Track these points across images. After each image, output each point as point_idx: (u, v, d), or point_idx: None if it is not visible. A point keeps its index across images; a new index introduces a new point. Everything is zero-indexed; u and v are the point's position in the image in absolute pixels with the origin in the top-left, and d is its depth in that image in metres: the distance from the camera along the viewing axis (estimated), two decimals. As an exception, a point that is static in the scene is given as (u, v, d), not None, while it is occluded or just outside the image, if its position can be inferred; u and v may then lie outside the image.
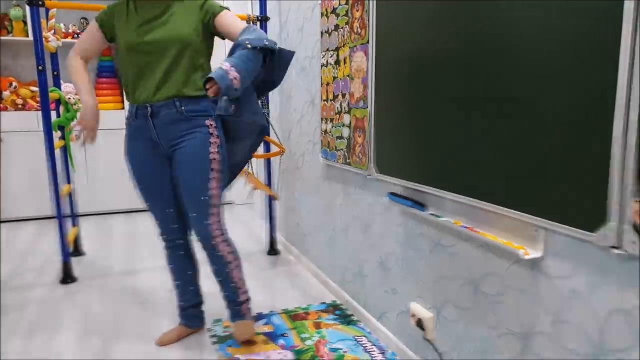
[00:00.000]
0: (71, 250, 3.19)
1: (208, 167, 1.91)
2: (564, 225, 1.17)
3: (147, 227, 4.04)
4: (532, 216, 1.25)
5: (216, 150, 1.93)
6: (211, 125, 1.93)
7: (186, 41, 1.86)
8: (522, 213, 1.28)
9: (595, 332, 1.13)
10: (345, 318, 2.35)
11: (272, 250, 3.35)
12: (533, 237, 1.29)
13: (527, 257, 1.27)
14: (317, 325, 2.27)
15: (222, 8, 1.92)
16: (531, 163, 1.24)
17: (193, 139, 1.90)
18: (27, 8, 3.87)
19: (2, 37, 4.08)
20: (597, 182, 1.07)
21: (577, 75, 1.10)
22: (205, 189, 1.91)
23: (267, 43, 1.81)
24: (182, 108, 1.88)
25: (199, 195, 1.91)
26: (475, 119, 1.41)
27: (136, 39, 1.85)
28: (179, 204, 2.02)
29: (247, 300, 2.13)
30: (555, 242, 1.23)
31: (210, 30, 1.92)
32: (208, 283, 2.36)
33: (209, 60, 1.98)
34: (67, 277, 2.81)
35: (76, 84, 1.95)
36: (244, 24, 1.89)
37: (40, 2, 2.57)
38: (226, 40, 1.96)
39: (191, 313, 2.18)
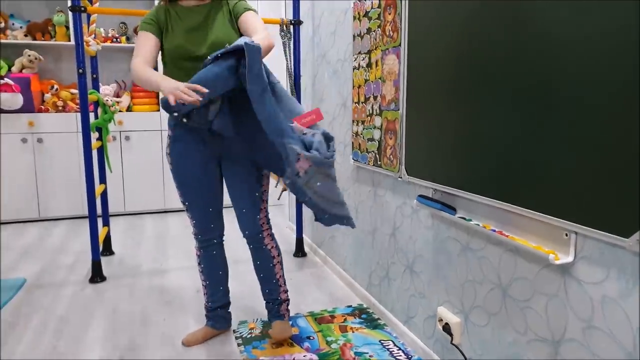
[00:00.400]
0: (101, 249, 3.27)
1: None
2: (596, 230, 1.14)
3: (176, 227, 4.11)
4: (563, 220, 1.23)
5: None
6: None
7: (231, 42, 1.88)
8: (552, 217, 1.26)
9: (629, 340, 1.10)
10: (371, 322, 2.35)
11: (299, 252, 3.37)
12: (564, 241, 1.26)
13: (557, 262, 1.24)
14: (343, 329, 2.27)
15: (247, 9, 1.96)
16: (563, 166, 1.22)
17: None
18: (70, 14, 4.01)
19: (46, 42, 4.24)
20: (632, 186, 1.04)
21: (616, 77, 1.08)
22: (260, 186, 2.02)
23: (220, 52, 1.73)
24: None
25: (253, 191, 2.00)
26: (507, 122, 1.40)
27: (185, 45, 1.88)
28: (219, 204, 2.07)
29: (287, 300, 2.16)
30: (587, 246, 1.21)
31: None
32: (234, 284, 2.39)
33: None
34: (97, 275, 2.87)
35: (149, 78, 1.77)
36: (258, 29, 1.89)
37: (82, 9, 2.66)
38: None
39: (218, 314, 2.20)
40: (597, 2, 1.10)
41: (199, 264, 2.15)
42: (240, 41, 1.70)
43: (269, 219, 2.09)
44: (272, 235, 2.10)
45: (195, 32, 1.91)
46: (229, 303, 2.23)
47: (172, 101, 1.60)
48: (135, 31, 4.54)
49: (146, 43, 1.90)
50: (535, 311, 1.39)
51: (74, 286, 2.80)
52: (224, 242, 2.16)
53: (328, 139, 1.75)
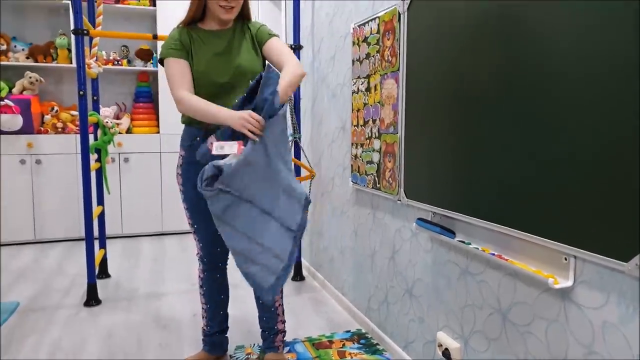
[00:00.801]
0: (97, 272, 3.25)
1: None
2: (595, 254, 1.14)
3: (173, 250, 4.09)
4: (562, 244, 1.23)
5: None
6: None
7: (255, 71, 1.88)
8: (552, 241, 1.26)
9: (629, 365, 1.09)
10: (370, 347, 2.32)
11: (297, 276, 3.35)
12: (563, 265, 1.26)
13: (557, 286, 1.24)
14: (342, 354, 2.24)
15: (271, 35, 1.94)
16: (561, 190, 1.22)
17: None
18: (72, 37, 4.06)
19: (47, 64, 4.27)
20: (631, 210, 1.05)
21: (612, 104, 1.09)
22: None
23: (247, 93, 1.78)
24: None
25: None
26: (506, 146, 1.41)
27: (208, 71, 1.86)
28: None
29: (283, 332, 2.13)
30: (586, 271, 1.20)
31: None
32: (233, 308, 2.36)
33: None
34: (92, 299, 2.84)
35: (207, 110, 1.77)
36: (288, 59, 1.84)
37: (85, 32, 2.69)
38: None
39: (216, 340, 2.16)
40: (593, 26, 1.12)
41: (201, 286, 2.11)
42: (269, 85, 1.69)
43: None
44: None
45: (218, 58, 1.88)
46: (227, 328, 2.20)
47: (243, 130, 1.64)
48: (138, 55, 4.58)
49: (183, 71, 1.85)
50: (535, 336, 1.38)
51: (68, 309, 2.76)
52: (226, 267, 2.14)
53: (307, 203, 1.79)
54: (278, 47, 1.91)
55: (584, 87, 1.15)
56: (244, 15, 1.96)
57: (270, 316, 2.09)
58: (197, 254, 2.08)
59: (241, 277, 2.04)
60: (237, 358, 2.21)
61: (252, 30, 1.96)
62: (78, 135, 4.11)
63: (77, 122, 4.31)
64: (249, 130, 1.64)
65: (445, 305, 1.82)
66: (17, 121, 3.97)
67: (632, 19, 1.03)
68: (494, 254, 1.49)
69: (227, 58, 1.89)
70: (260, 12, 4.53)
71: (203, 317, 2.15)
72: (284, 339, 2.14)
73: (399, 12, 1.98)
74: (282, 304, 2.12)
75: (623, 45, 1.05)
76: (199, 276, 2.11)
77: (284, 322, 2.13)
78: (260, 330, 2.13)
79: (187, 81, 1.85)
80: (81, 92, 2.69)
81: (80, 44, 2.69)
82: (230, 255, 2.09)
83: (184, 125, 2.00)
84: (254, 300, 2.14)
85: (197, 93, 1.85)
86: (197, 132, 1.92)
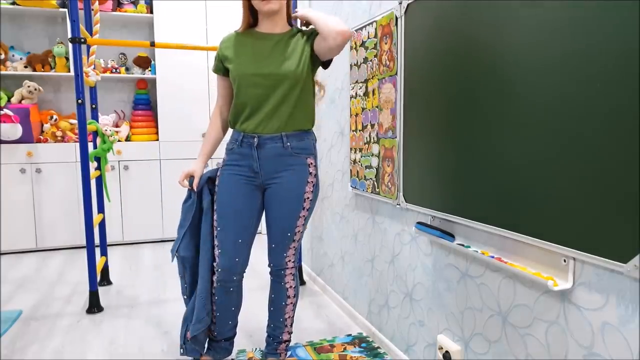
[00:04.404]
0: (99, 279, 3.25)
1: (300, 206, 1.94)
2: (594, 256, 1.15)
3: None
4: (561, 246, 1.24)
5: (311, 189, 1.96)
6: (311, 164, 1.95)
7: (297, 77, 1.86)
8: (551, 243, 1.27)
9: (630, 366, 1.10)
10: (371, 351, 2.32)
11: (298, 281, 3.34)
12: (562, 267, 1.26)
13: (556, 288, 1.24)
14: (343, 358, 2.24)
15: None
16: (560, 192, 1.23)
17: (292, 175, 1.92)
18: (70, 45, 4.07)
19: (45, 73, 4.29)
20: (629, 211, 1.05)
21: (610, 104, 1.10)
22: (293, 227, 1.96)
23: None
24: (288, 144, 1.90)
25: (286, 231, 1.95)
26: (504, 149, 1.42)
27: (251, 71, 1.87)
28: (249, 237, 1.99)
29: (288, 341, 2.13)
30: (585, 272, 1.21)
31: (313, 62, 1.92)
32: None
33: (313, 97, 2.00)
34: (94, 306, 2.84)
35: (201, 146, 2.10)
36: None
37: (82, 40, 2.70)
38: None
39: (222, 345, 2.12)
40: (593, 26, 1.13)
41: (213, 294, 2.04)
42: None
43: (296, 258, 2.06)
44: (294, 275, 2.06)
45: (259, 61, 1.88)
46: (234, 335, 2.16)
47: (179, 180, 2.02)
48: (137, 63, 4.59)
49: (219, 86, 2.05)
50: (535, 338, 1.38)
51: (70, 317, 2.77)
52: (242, 279, 2.06)
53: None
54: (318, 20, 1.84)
55: (582, 90, 1.16)
56: (290, 19, 1.97)
57: (277, 325, 2.08)
58: (215, 263, 2.01)
59: (251, 281, 2.04)
60: (239, 364, 2.21)
61: (307, 34, 1.92)
62: (77, 144, 4.12)
63: (77, 131, 4.32)
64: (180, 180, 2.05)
65: (446, 308, 1.83)
66: (16, 130, 3.98)
67: (628, 18, 1.04)
68: (493, 257, 1.49)
69: (267, 62, 1.87)
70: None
71: (212, 322, 2.08)
72: (288, 348, 2.14)
73: (396, 16, 1.99)
74: (293, 317, 2.10)
75: (622, 45, 1.06)
76: (213, 284, 2.04)
77: (290, 332, 2.12)
78: (266, 334, 2.13)
79: (221, 96, 2.05)
80: (80, 101, 2.70)
81: (78, 52, 2.70)
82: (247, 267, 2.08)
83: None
84: (258, 305, 2.13)
85: (240, 90, 1.91)
86: (238, 135, 1.97)
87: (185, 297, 2.13)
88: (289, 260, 2.02)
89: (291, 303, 2.07)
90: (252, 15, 1.94)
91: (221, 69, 1.98)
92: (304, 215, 1.97)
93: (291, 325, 2.12)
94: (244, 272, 2.04)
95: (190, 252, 2.07)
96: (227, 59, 1.94)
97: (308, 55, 1.89)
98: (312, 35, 1.90)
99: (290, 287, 2.05)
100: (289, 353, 2.28)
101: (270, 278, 2.07)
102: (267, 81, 1.86)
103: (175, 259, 2.09)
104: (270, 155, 1.91)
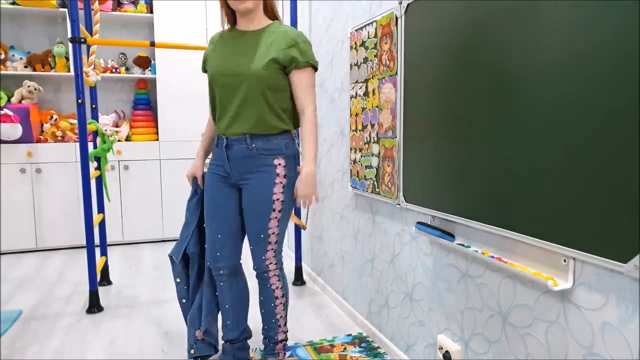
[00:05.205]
0: (99, 279, 3.24)
1: (269, 208, 1.90)
2: (594, 256, 1.15)
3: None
4: (561, 246, 1.24)
5: (281, 191, 1.91)
6: (280, 164, 1.90)
7: (260, 78, 1.82)
8: (551, 243, 1.27)
9: (630, 366, 1.10)
10: (371, 351, 2.32)
11: (298, 281, 3.35)
12: (562, 267, 1.26)
13: (556, 288, 1.24)
14: (343, 358, 2.24)
15: (307, 64, 1.87)
16: (560, 192, 1.23)
17: (259, 177, 1.90)
18: (70, 45, 4.07)
19: (45, 73, 4.29)
20: (629, 211, 1.05)
21: (609, 106, 1.10)
22: (264, 228, 1.92)
23: None
24: (253, 145, 1.89)
25: (259, 233, 1.94)
26: (504, 149, 1.42)
27: (219, 71, 1.88)
28: (229, 231, 2.00)
29: (284, 340, 2.11)
30: (585, 272, 1.21)
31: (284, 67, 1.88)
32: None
33: (289, 97, 1.93)
34: (94, 306, 2.84)
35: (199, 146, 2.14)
36: (305, 105, 1.88)
37: (82, 40, 2.70)
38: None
39: (225, 348, 2.12)
40: (591, 27, 1.13)
41: (279, 279, 2.06)
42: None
43: (278, 260, 2.01)
44: (279, 277, 2.02)
45: (231, 59, 1.88)
46: (238, 339, 2.10)
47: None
48: (137, 63, 4.59)
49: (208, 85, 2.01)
50: (535, 338, 1.38)
51: (70, 317, 2.76)
52: (238, 275, 2.07)
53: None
54: (303, 89, 1.88)
55: (582, 89, 1.16)
56: (274, 13, 1.96)
57: (271, 327, 2.08)
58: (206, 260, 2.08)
59: (250, 281, 2.03)
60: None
61: (280, 41, 1.86)
62: (77, 144, 4.12)
63: (77, 131, 4.32)
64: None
65: (446, 308, 1.83)
66: (16, 130, 3.98)
67: (628, 19, 1.04)
68: (493, 257, 1.49)
69: (234, 62, 1.86)
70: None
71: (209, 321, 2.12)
72: (286, 345, 2.14)
73: (396, 16, 1.99)
74: (285, 317, 2.09)
75: (621, 45, 1.06)
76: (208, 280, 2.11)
77: (285, 332, 2.11)
78: (262, 337, 2.13)
79: (211, 98, 1.99)
80: (79, 101, 2.70)
81: (78, 52, 2.70)
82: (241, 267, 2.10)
83: None
84: (257, 305, 2.13)
85: (211, 90, 1.95)
86: (216, 135, 2.02)
87: (184, 300, 2.13)
88: (270, 263, 1.98)
89: (280, 304, 2.05)
90: (232, 14, 1.95)
91: (204, 68, 2.03)
92: (275, 217, 1.92)
93: (285, 325, 2.10)
94: (233, 267, 2.02)
95: (198, 249, 2.10)
96: (206, 59, 2.00)
97: (279, 60, 1.84)
98: (284, 59, 1.84)
99: (277, 288, 2.02)
100: (288, 353, 2.28)
101: (257, 280, 2.05)
102: (233, 81, 1.86)
103: (172, 262, 2.12)
104: (238, 156, 1.91)
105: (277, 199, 1.91)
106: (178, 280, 2.12)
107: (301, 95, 1.89)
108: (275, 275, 2.01)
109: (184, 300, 2.13)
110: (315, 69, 1.93)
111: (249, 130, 1.87)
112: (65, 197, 4.23)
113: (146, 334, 2.54)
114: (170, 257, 2.09)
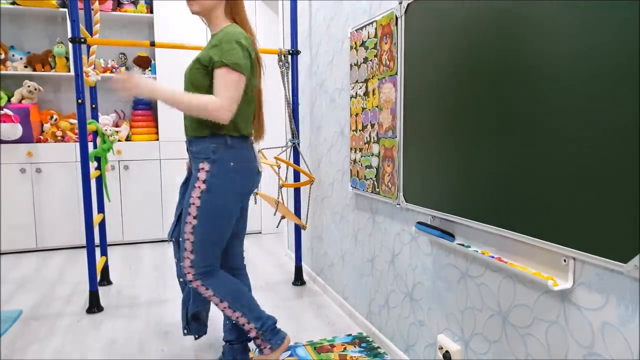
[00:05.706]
0: (99, 279, 3.24)
1: (186, 212, 1.87)
2: (594, 256, 1.15)
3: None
4: (561, 246, 1.24)
5: (198, 195, 1.84)
6: (203, 169, 1.85)
7: (190, 81, 1.88)
8: (551, 243, 1.27)
9: (630, 366, 1.10)
10: (371, 350, 2.32)
11: (298, 281, 3.35)
12: (562, 267, 1.26)
13: (556, 288, 1.24)
14: (343, 358, 2.24)
15: (222, 63, 1.77)
16: (560, 192, 1.23)
17: (192, 180, 1.89)
18: (70, 45, 4.07)
19: (45, 73, 4.29)
20: (629, 211, 1.05)
21: (609, 106, 1.10)
22: (183, 232, 1.88)
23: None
24: (191, 148, 1.93)
25: (179, 236, 1.97)
26: (504, 149, 1.42)
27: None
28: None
29: (259, 335, 2.01)
30: (586, 272, 1.21)
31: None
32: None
33: None
34: (94, 306, 2.84)
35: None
36: (221, 94, 1.77)
37: (82, 40, 2.70)
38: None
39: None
40: (591, 27, 1.13)
41: (206, 288, 1.94)
42: None
43: (198, 272, 1.89)
44: (205, 286, 1.91)
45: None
46: (232, 341, 2.11)
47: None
48: (137, 63, 4.59)
49: None
50: (535, 338, 1.38)
51: (70, 317, 2.76)
52: (226, 273, 2.03)
53: None
54: (217, 83, 1.79)
55: (581, 89, 1.16)
56: (232, 15, 1.94)
57: (236, 329, 2.09)
58: None
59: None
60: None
61: (211, 42, 1.85)
62: (77, 144, 4.12)
63: (77, 131, 4.32)
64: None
65: (446, 308, 1.83)
66: (16, 130, 3.98)
67: (626, 20, 1.04)
68: (493, 257, 1.49)
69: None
70: (258, 17, 4.54)
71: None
72: (267, 339, 2.02)
73: (396, 16, 1.99)
74: (245, 314, 1.98)
75: (622, 45, 1.06)
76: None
77: (255, 328, 1.99)
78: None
79: None
80: (80, 100, 2.70)
81: (78, 52, 2.70)
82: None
83: None
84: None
85: None
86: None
87: (180, 279, 2.15)
88: (187, 272, 1.88)
89: (225, 308, 1.95)
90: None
91: None
92: (189, 222, 1.85)
93: (249, 323, 1.98)
94: (207, 267, 1.94)
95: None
96: None
97: (205, 60, 1.82)
98: (211, 62, 1.79)
99: (209, 295, 1.92)
100: (288, 352, 2.28)
101: None
102: (184, 85, 1.93)
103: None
104: (190, 159, 1.98)
105: (193, 204, 1.84)
106: (176, 260, 2.13)
107: (215, 93, 1.79)
108: (198, 285, 1.91)
109: (181, 280, 2.14)
110: (235, 69, 1.77)
111: (187, 133, 1.94)
112: (65, 197, 4.23)
113: (146, 334, 2.54)
114: (169, 238, 2.10)
